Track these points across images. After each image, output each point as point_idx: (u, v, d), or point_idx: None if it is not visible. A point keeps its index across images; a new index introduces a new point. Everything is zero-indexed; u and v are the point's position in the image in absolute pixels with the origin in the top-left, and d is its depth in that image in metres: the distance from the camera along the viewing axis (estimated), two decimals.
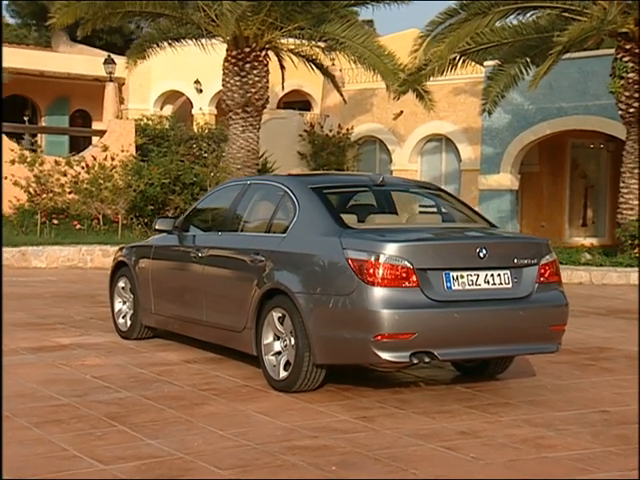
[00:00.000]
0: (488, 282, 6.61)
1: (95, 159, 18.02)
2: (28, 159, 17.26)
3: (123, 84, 30.35)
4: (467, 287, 6.53)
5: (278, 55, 20.28)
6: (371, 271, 6.27)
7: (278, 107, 29.46)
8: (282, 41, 19.52)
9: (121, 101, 30.25)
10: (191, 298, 7.99)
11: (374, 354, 6.28)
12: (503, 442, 5.63)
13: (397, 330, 6.24)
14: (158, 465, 4.97)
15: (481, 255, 6.54)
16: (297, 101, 30.76)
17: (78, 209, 17.63)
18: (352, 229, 6.74)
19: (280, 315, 6.83)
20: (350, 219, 7.14)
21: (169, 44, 19.58)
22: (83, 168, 17.81)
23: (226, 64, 18.67)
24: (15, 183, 17.21)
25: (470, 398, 6.80)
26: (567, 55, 17.98)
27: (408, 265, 6.30)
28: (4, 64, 27.59)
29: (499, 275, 6.66)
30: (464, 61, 18.10)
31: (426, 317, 6.34)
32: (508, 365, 7.44)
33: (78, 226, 17.79)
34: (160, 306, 8.38)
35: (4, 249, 16.30)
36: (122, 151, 18.12)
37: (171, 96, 30.52)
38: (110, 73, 25.19)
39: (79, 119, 31.76)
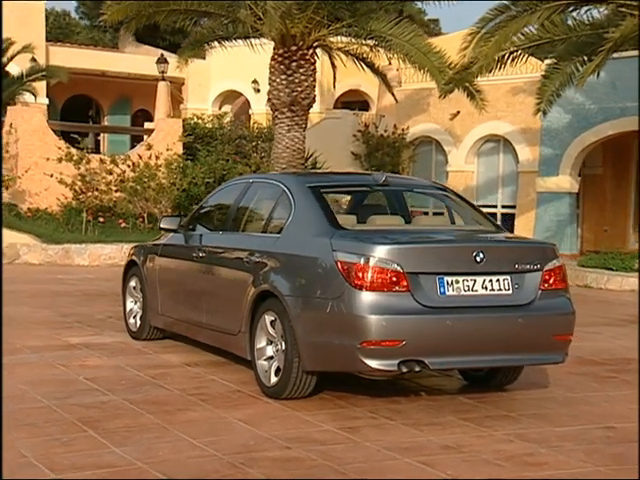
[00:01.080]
0: (486, 288, 6.28)
1: (141, 157, 18.03)
2: (74, 157, 17.33)
3: (183, 84, 30.51)
4: (463, 293, 6.21)
5: (329, 54, 20.01)
6: (359, 274, 6.00)
7: (335, 107, 29.28)
8: (332, 39, 19.24)
9: (180, 101, 30.41)
10: (193, 299, 7.82)
11: (361, 361, 6.01)
12: (487, 458, 5.31)
13: (384, 337, 5.96)
14: (110, 475, 4.78)
15: (478, 259, 6.21)
16: (355, 101, 30.54)
17: (124, 207, 17.65)
18: (346, 230, 6.48)
19: (272, 319, 6.60)
20: (348, 220, 6.88)
21: (219, 43, 19.45)
22: (129, 166, 17.84)
23: (272, 62, 18.44)
24: (60, 181, 17.29)
25: (469, 410, 6.48)
26: (632, 53, 17.33)
27: (398, 269, 6.01)
28: (66, 64, 28.00)
29: (498, 281, 6.32)
30: (514, 59, 17.58)
31: (416, 324, 6.04)
32: (517, 376, 7.09)
33: (123, 224, 17.82)
34: (166, 307, 8.23)
35: (49, 246, 16.42)
36: (167, 150, 18.08)
37: (229, 96, 30.56)
38: (162, 72, 25.25)
39: (140, 118, 31.99)
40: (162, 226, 8.22)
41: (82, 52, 29.47)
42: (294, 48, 18.16)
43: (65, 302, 11.46)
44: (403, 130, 25.96)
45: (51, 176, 17.38)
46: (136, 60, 29.11)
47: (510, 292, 6.35)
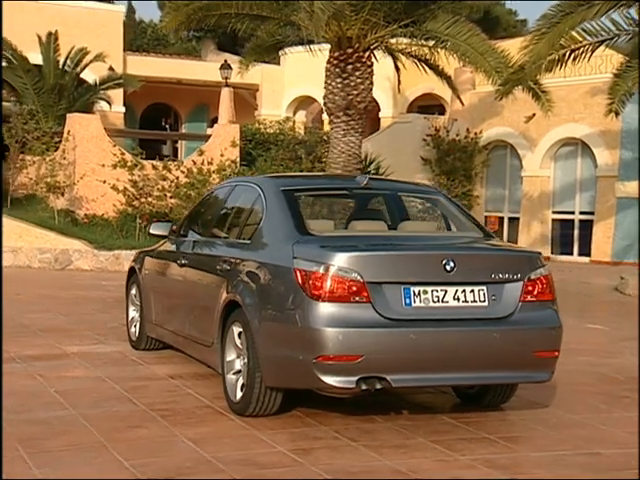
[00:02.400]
0: (458, 299, 5.80)
1: (195, 163, 17.93)
2: (128, 164, 17.33)
3: (257, 90, 30.45)
4: (431, 304, 5.74)
5: (392, 56, 19.60)
6: (316, 284, 5.60)
7: (411, 111, 28.76)
8: (393, 41, 18.81)
9: (255, 107, 30.35)
10: (177, 309, 7.54)
11: (317, 378, 5.60)
12: None
13: (341, 351, 5.54)
14: None
15: (448, 268, 5.74)
16: (432, 105, 29.95)
17: (178, 214, 17.51)
18: (312, 236, 6.07)
19: (240, 330, 6.24)
20: (324, 225, 6.49)
21: (280, 48, 19.27)
22: (182, 172, 17.75)
23: (328, 66, 18.12)
24: (113, 187, 17.31)
25: (446, 431, 6.00)
26: None
27: (358, 278, 5.59)
28: (143, 73, 28.27)
29: (473, 291, 5.83)
30: (575, 58, 16.79)
31: (376, 337, 5.60)
32: (511, 394, 6.57)
33: None
34: (158, 317, 7.97)
35: (100, 253, 16.44)
36: (221, 155, 17.91)
37: (304, 101, 30.34)
38: (226, 78, 25.16)
39: None
40: (151, 232, 7.95)
41: (158, 61, 29.71)
42: (350, 50, 17.80)
43: (89, 309, 11.35)
44: (476, 134, 25.30)
45: (104, 182, 17.43)
46: (211, 68, 29.08)
47: (486, 304, 5.86)
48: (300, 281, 5.65)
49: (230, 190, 7.33)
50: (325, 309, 5.55)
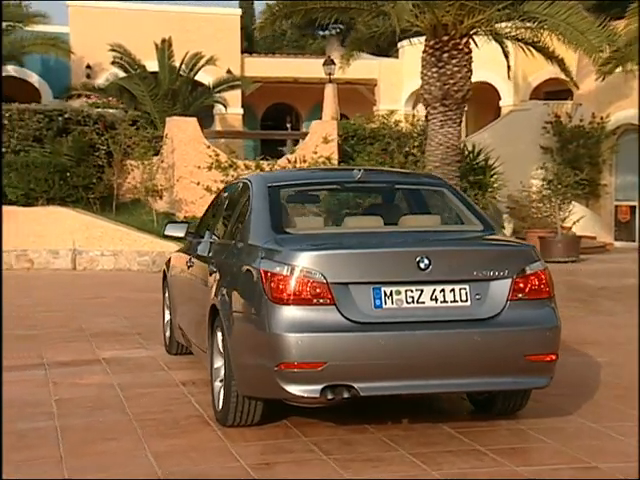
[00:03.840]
0: (436, 299, 5.30)
1: (290, 162, 17.73)
2: (222, 165, 17.31)
3: (375, 85, 30.03)
4: (405, 305, 5.27)
5: (498, 41, 18.88)
6: (278, 286, 5.23)
7: (536, 98, 27.67)
8: (497, 25, 18.06)
9: (373, 102, 29.94)
10: (187, 313, 7.32)
11: (280, 387, 5.23)
12: None
13: (303, 358, 5.15)
14: None
15: (422, 266, 5.25)
16: (559, 90, 28.69)
17: None
18: (288, 235, 5.70)
19: (222, 336, 5.95)
20: (311, 223, 6.12)
21: (376, 40, 18.84)
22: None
23: (424, 55, 17.56)
24: (207, 189, 17.32)
25: (436, 442, 5.52)
26: None
27: (320, 279, 5.18)
28: (261, 74, 28.36)
29: (453, 291, 5.32)
30: None
31: (340, 343, 5.18)
32: (522, 401, 6.00)
33: None
34: (179, 321, 7.77)
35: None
36: (314, 153, 17.64)
37: None
38: (329, 74, 24.83)
39: None
40: (166, 233, 7.72)
41: (275, 61, 29.69)
42: (445, 38, 17.21)
43: (153, 312, 11.27)
44: (602, 118, 24.00)
45: (197, 184, 17.47)
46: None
47: (468, 304, 5.33)
48: (264, 283, 5.30)
49: (236, 188, 7.04)
50: (285, 313, 5.19)
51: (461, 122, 17.56)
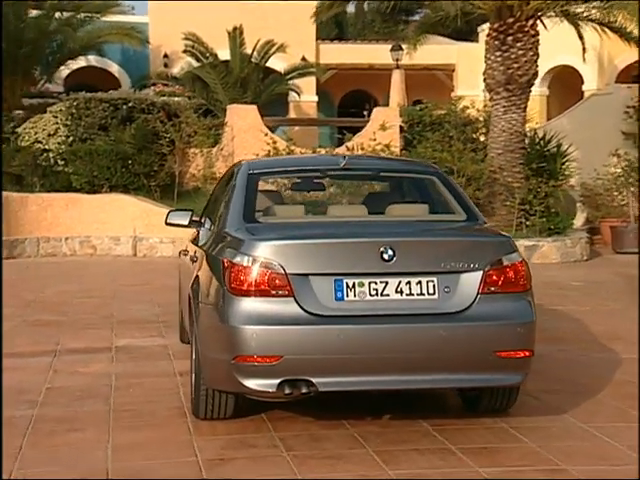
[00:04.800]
0: (401, 292, 5.07)
1: (348, 149, 17.49)
2: (280, 152, 17.18)
3: (453, 70, 29.51)
4: (368, 298, 5.05)
5: (573, 23, 18.32)
6: (236, 277, 5.09)
7: (621, 82, 26.72)
8: (568, 6, 17.49)
9: (451, 88, 29.44)
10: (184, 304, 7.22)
11: (237, 381, 5.09)
12: None
13: (258, 352, 4.99)
14: None
15: (385, 257, 5.03)
16: None
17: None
18: (257, 224, 5.55)
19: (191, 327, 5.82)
20: (289, 212, 5.94)
21: (445, 24, 18.48)
22: None
23: (487, 39, 17.15)
24: None
25: (407, 440, 5.30)
26: None
27: (279, 269, 5.01)
28: (337, 61, 28.20)
29: (420, 283, 5.08)
30: None
31: (298, 336, 5.00)
32: (509, 398, 5.71)
33: None
34: (182, 308, 7.68)
35: None
36: (373, 140, 17.35)
37: None
38: (397, 60, 24.44)
39: None
40: (169, 222, 7.57)
41: (350, 47, 29.47)
42: (510, 20, 16.76)
43: None
44: None
45: None
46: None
47: (436, 297, 5.09)
48: (224, 274, 5.16)
49: (229, 174, 6.88)
50: (242, 304, 5.04)
51: (526, 107, 17.07)
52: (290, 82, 25.17)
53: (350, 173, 6.40)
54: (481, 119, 19.39)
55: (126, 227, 16.89)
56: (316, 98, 28.14)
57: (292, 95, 27.12)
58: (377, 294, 5.04)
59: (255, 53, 24.08)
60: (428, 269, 5.09)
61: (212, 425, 5.61)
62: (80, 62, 27.08)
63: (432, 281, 5.08)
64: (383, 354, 5.01)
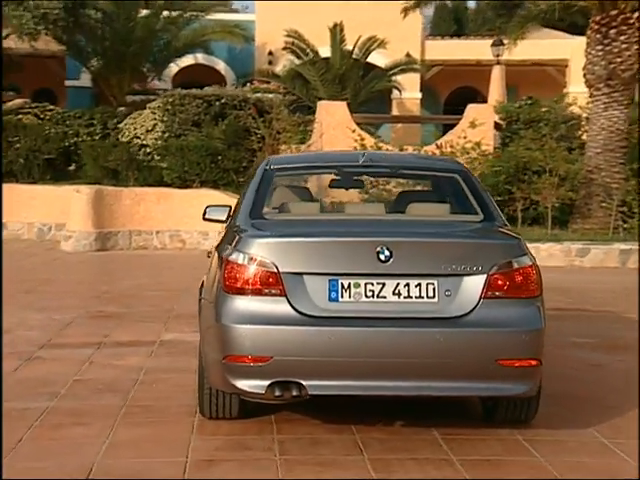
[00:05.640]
0: (399, 294, 4.85)
1: (438, 147, 17.13)
2: (366, 149, 16.95)
3: (566, 66, 28.64)
4: (364, 299, 4.86)
5: None
6: (232, 274, 4.97)
7: None
8: None
9: (563, 85, 28.59)
10: None
11: (227, 381, 4.97)
12: None
13: (247, 351, 4.86)
14: None
15: (382, 257, 4.82)
16: None
17: None
18: (263, 220, 5.41)
19: None
20: (304, 209, 5.78)
21: (544, 19, 17.94)
22: None
23: (589, 32, 16.52)
24: None
25: (410, 449, 5.13)
26: None
27: (271, 268, 4.86)
28: (443, 57, 27.79)
29: (419, 286, 4.85)
30: None
31: (288, 337, 4.84)
32: (529, 409, 5.42)
33: None
34: None
35: None
36: (463, 138, 16.90)
37: None
38: (497, 56, 23.82)
39: None
40: (207, 217, 7.47)
41: (457, 43, 28.96)
42: (614, 12, 16.10)
43: None
44: None
45: None
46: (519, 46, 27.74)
47: (435, 300, 4.85)
48: (220, 271, 5.05)
49: (254, 170, 6.77)
50: (234, 303, 4.91)
51: (629, 104, 16.37)
52: (392, 79, 24.91)
53: (369, 170, 6.18)
54: (584, 116, 18.69)
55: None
56: (420, 95, 27.79)
57: (395, 92, 26.85)
58: (373, 296, 4.84)
59: (356, 49, 23.93)
60: (428, 271, 4.85)
61: (217, 425, 5.51)
62: (188, 60, 27.58)
63: (432, 284, 4.84)
64: (377, 358, 4.80)
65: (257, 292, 4.86)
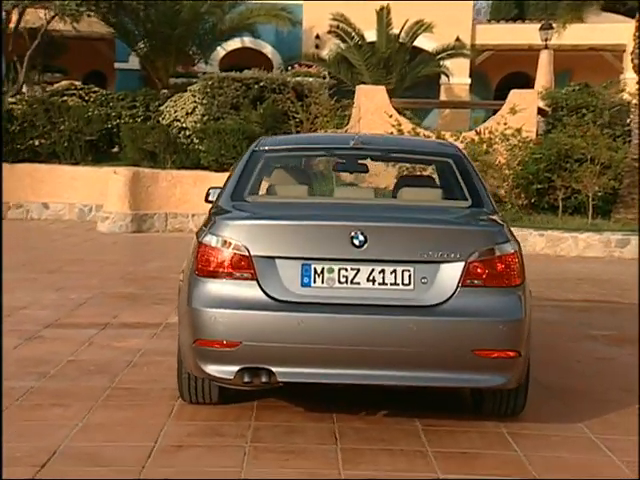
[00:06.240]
0: (373, 280, 4.69)
1: (477, 133, 16.78)
2: (403, 134, 16.67)
3: (624, 51, 27.92)
4: (337, 285, 4.71)
5: None
6: (204, 257, 4.87)
7: None
8: None
9: (620, 71, 27.91)
10: None
11: (197, 365, 4.86)
12: None
13: (217, 336, 4.74)
14: None
15: (356, 242, 4.67)
16: None
17: None
18: (243, 202, 5.28)
19: None
20: (291, 191, 5.64)
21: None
22: (462, 143, 16.63)
23: (638, 16, 16.06)
24: None
25: (386, 439, 4.99)
26: None
27: (243, 251, 4.73)
28: (493, 42, 27.33)
29: (394, 272, 4.68)
30: None
31: (258, 322, 4.70)
32: (516, 402, 5.23)
33: None
34: None
35: None
36: (504, 124, 16.49)
37: None
38: (546, 40, 23.25)
39: None
40: (209, 199, 7.34)
41: (509, 27, 28.39)
42: None
43: None
44: None
45: None
46: (571, 30, 27.10)
47: (411, 287, 4.68)
48: (194, 254, 4.94)
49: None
50: (204, 286, 4.80)
51: None
52: (440, 64, 24.53)
53: (359, 153, 6.00)
54: (634, 102, 18.19)
55: None
56: (469, 81, 27.35)
57: (443, 78, 26.47)
58: (347, 282, 4.69)
59: (402, 33, 23.61)
60: (404, 257, 4.68)
61: (196, 410, 5.42)
62: (235, 43, 27.53)
63: (408, 271, 4.67)
64: (349, 346, 4.65)
65: (228, 276, 4.74)
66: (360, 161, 6.57)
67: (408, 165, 11.54)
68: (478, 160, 16.03)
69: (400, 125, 16.54)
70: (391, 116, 16.68)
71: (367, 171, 7.13)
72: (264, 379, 4.70)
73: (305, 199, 5.48)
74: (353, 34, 23.82)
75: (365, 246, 4.65)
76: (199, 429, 5.08)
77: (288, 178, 6.15)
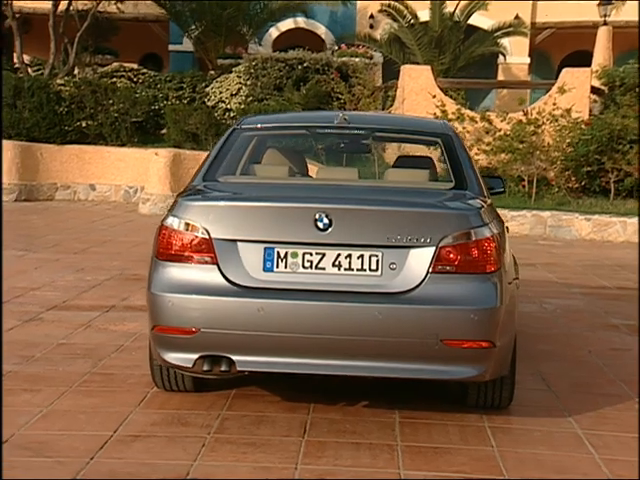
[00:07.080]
0: (339, 266, 4.41)
1: (525, 113, 16.21)
2: (449, 117, 16.21)
3: None
4: (301, 270, 4.44)
5: None
6: (163, 240, 4.66)
7: None
8: None
9: None
10: None
11: (157, 353, 4.65)
12: None
13: (173, 322, 4.51)
14: None
15: (320, 225, 4.38)
16: None
17: (509, 168, 15.94)
18: (214, 182, 5.04)
19: None
20: (270, 172, 5.37)
21: None
22: (509, 124, 16.10)
23: None
24: None
25: (356, 432, 4.73)
26: None
27: (203, 234, 4.49)
28: (555, 19, 26.56)
29: (361, 257, 4.40)
30: None
31: (217, 308, 4.46)
32: (501, 394, 4.93)
33: None
34: None
35: None
36: (553, 104, 15.90)
37: None
38: (605, 16, 22.40)
39: None
40: None
41: (572, 4, 27.49)
42: None
43: None
44: None
45: None
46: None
47: (379, 274, 4.38)
48: (156, 236, 4.72)
49: None
50: (163, 270, 4.58)
51: None
52: (498, 42, 23.90)
53: (343, 132, 5.68)
54: None
55: None
56: (528, 60, 26.65)
57: (501, 57, 25.85)
58: (311, 267, 4.42)
59: (457, 11, 23.07)
60: (371, 242, 4.39)
61: (169, 397, 5.22)
62: (288, 24, 27.30)
63: (376, 256, 4.38)
64: (311, 334, 4.38)
65: (188, 259, 4.51)
66: (364, 141, 6.29)
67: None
68: (524, 141, 15.54)
69: (444, 106, 16.10)
70: (434, 96, 16.23)
71: (369, 151, 6.85)
72: (224, 367, 4.47)
73: (278, 180, 5.20)
74: (405, 12, 23.36)
75: (330, 229, 4.37)
76: (164, 418, 4.87)
77: (278, 158, 5.89)
